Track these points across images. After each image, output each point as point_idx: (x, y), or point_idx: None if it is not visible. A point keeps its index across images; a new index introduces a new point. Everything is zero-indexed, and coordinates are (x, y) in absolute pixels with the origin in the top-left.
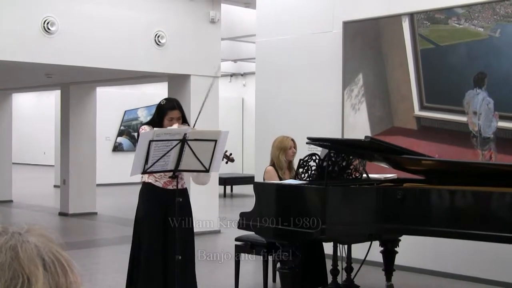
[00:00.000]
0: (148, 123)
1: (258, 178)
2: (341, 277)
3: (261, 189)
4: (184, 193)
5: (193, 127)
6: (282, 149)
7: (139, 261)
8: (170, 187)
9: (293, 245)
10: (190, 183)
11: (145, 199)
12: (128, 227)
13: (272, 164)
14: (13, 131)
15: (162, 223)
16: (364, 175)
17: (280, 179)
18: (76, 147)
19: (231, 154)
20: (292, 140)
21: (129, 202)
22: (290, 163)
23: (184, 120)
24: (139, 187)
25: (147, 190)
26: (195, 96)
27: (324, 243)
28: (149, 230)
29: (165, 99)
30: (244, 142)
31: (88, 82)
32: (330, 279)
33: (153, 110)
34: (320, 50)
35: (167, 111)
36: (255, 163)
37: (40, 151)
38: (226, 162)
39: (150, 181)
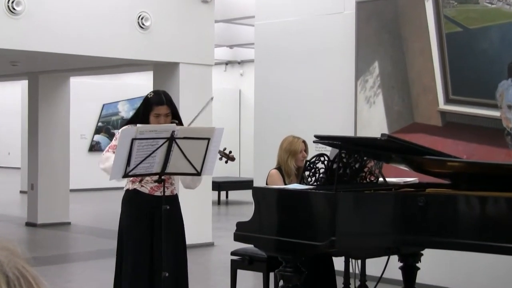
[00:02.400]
0: (129, 121)
1: (258, 183)
2: None
3: (261, 195)
4: (173, 201)
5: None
6: (291, 153)
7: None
8: (158, 193)
9: (298, 260)
10: (179, 187)
11: (129, 208)
12: (107, 239)
13: (278, 167)
14: None
15: (149, 235)
16: (381, 179)
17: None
18: (46, 146)
19: (230, 152)
20: (304, 142)
21: (108, 210)
22: (299, 169)
23: (175, 117)
24: (119, 193)
25: (131, 197)
26: (185, 88)
27: (334, 258)
28: (134, 243)
29: (153, 91)
30: (241, 140)
31: (60, 71)
32: None
33: (136, 104)
34: (329, 35)
35: (153, 106)
36: (254, 165)
37: (4, 151)
38: (226, 162)
39: (135, 187)
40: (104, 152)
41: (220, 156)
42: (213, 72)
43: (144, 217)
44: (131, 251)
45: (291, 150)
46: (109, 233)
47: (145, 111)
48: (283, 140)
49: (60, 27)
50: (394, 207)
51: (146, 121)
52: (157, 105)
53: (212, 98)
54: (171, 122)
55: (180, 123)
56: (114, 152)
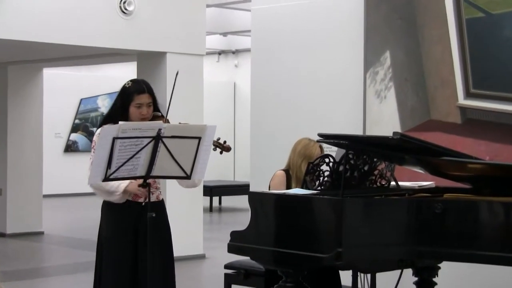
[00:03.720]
0: (106, 118)
1: (255, 187)
2: None
3: (258, 200)
4: (159, 208)
5: (165, 120)
6: (306, 158)
7: None
8: (142, 199)
9: (300, 274)
10: (166, 192)
11: (110, 217)
12: (84, 250)
13: (287, 169)
14: None
15: (132, 248)
16: (393, 183)
17: None
18: (16, 146)
19: (225, 141)
20: (320, 146)
21: (86, 218)
22: None
23: (155, 109)
24: (98, 198)
25: (111, 205)
26: (173, 79)
27: (340, 272)
28: (115, 257)
29: (130, 80)
30: (236, 140)
31: (32, 61)
32: None
33: None
34: (335, 21)
35: (134, 95)
36: (250, 166)
37: None
38: (221, 152)
39: None
40: (89, 174)
41: (214, 147)
42: (205, 63)
43: (126, 228)
44: (111, 266)
45: (306, 154)
46: (87, 244)
47: (124, 103)
48: (297, 143)
49: (31, 12)
50: (407, 214)
51: (126, 114)
52: (138, 94)
53: (177, 73)
54: (155, 116)
55: (162, 115)
56: None
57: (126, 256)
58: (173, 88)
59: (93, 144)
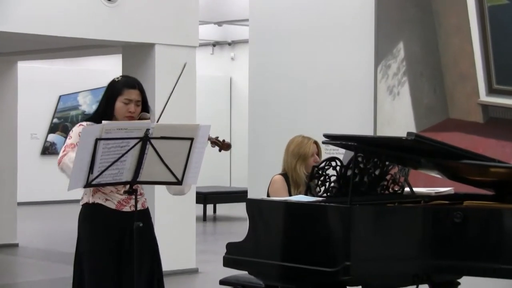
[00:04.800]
0: (92, 117)
1: (253, 194)
2: None
3: (257, 209)
4: (144, 217)
5: (157, 121)
6: (301, 157)
7: None
8: (127, 208)
9: None
10: (154, 199)
11: (90, 228)
12: (63, 264)
13: (284, 173)
14: None
15: (116, 262)
16: (407, 189)
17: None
18: None
19: (224, 140)
20: (316, 143)
21: (65, 228)
22: None
23: (145, 108)
24: (79, 206)
25: (92, 214)
26: (162, 75)
27: None
28: (96, 272)
29: (121, 75)
30: (232, 141)
31: (5, 54)
32: None
33: (101, 95)
34: (342, 8)
35: (123, 89)
36: (248, 171)
37: None
38: (220, 150)
39: (97, 201)
40: (60, 156)
41: (211, 145)
42: (198, 56)
43: (109, 240)
44: (93, 284)
45: (300, 153)
46: (66, 257)
47: (110, 96)
48: (290, 142)
49: None
50: (423, 224)
51: (110, 110)
52: (128, 88)
53: (185, 65)
54: (142, 117)
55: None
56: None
57: (109, 271)
58: (176, 83)
59: (69, 135)
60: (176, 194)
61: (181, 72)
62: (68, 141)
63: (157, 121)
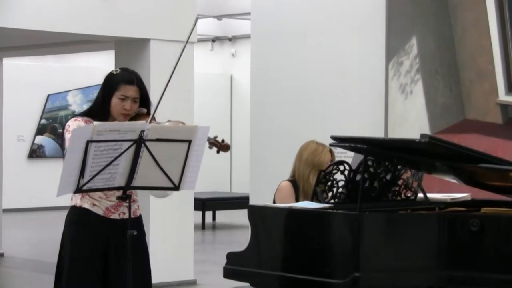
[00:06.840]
0: (86, 113)
1: (255, 200)
2: None
3: (259, 216)
4: (136, 225)
5: (151, 119)
6: (315, 167)
7: None
8: (115, 215)
9: None
10: (149, 206)
11: (75, 232)
12: (51, 275)
13: (293, 180)
14: None
15: (100, 273)
16: (420, 195)
17: None
18: None
19: (223, 140)
20: (331, 151)
21: (54, 237)
22: None
23: (145, 106)
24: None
25: (79, 218)
26: (157, 72)
27: None
28: (79, 283)
29: (120, 68)
30: (233, 143)
31: None
32: None
33: (92, 95)
34: (351, 1)
35: (120, 84)
36: (250, 175)
37: None
38: (218, 151)
39: (84, 205)
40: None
41: (209, 145)
42: (196, 52)
43: (95, 248)
44: None
45: (314, 163)
46: (53, 268)
47: (106, 92)
48: (303, 148)
49: None
50: (438, 232)
51: (107, 107)
52: (125, 84)
53: (197, 19)
54: (139, 113)
55: (148, 113)
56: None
57: (93, 283)
58: (178, 61)
59: (68, 127)
60: (158, 197)
61: (192, 28)
62: (68, 135)
63: (151, 119)
